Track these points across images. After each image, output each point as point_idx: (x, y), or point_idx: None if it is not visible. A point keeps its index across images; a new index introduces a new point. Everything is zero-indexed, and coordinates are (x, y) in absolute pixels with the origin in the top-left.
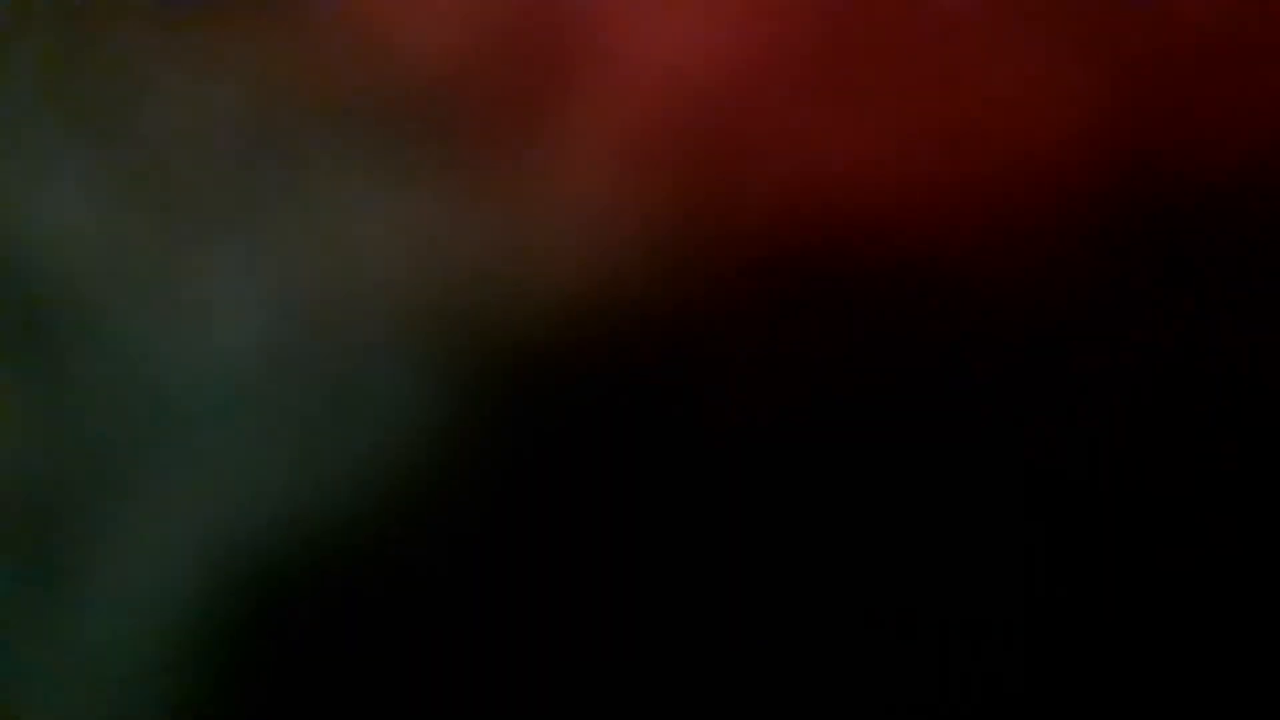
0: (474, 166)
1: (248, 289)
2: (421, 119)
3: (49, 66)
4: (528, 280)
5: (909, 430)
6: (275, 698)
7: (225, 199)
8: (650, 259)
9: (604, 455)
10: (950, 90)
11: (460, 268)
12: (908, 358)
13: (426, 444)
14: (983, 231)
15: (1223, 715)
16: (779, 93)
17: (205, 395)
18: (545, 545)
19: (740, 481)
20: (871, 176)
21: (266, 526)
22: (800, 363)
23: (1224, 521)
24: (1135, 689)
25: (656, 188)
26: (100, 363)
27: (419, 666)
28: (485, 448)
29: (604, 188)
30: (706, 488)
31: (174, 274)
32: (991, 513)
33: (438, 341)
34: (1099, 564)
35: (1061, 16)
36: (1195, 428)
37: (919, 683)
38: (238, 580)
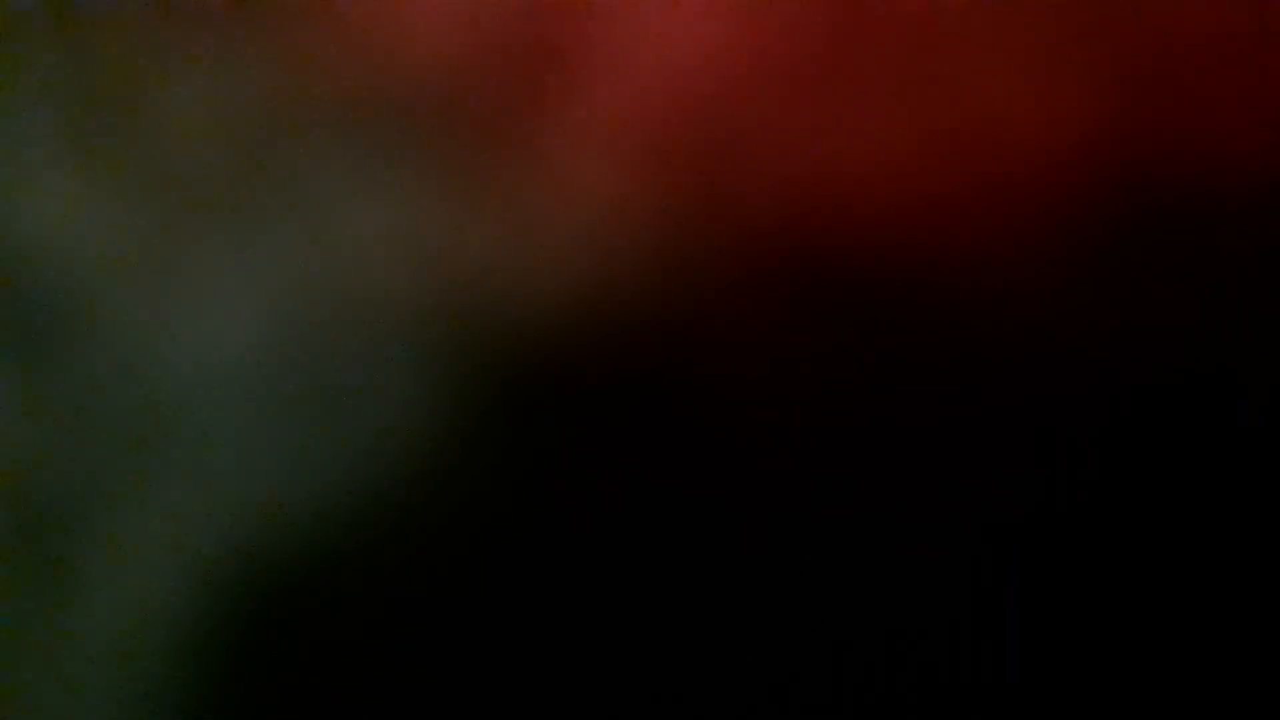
0: (474, 167)
1: (248, 289)
2: (422, 119)
3: (50, 67)
4: (528, 281)
5: (910, 432)
6: (275, 698)
7: (225, 199)
8: (651, 260)
9: (605, 457)
10: (951, 92)
11: (461, 268)
12: (909, 359)
13: (427, 445)
14: (984, 233)
15: (1222, 716)
16: (780, 95)
17: (205, 395)
18: (545, 547)
19: (742, 482)
20: (873, 178)
21: (266, 527)
22: (801, 362)
23: (1226, 526)
24: (1130, 694)
25: (658, 189)
26: (100, 362)
27: (418, 667)
28: (486, 449)
29: (604, 189)
30: (707, 489)
31: (174, 274)
32: (991, 515)
33: (438, 342)
34: (1102, 567)
35: (1062, 20)
36: (1200, 430)
37: (920, 687)
38: (237, 580)
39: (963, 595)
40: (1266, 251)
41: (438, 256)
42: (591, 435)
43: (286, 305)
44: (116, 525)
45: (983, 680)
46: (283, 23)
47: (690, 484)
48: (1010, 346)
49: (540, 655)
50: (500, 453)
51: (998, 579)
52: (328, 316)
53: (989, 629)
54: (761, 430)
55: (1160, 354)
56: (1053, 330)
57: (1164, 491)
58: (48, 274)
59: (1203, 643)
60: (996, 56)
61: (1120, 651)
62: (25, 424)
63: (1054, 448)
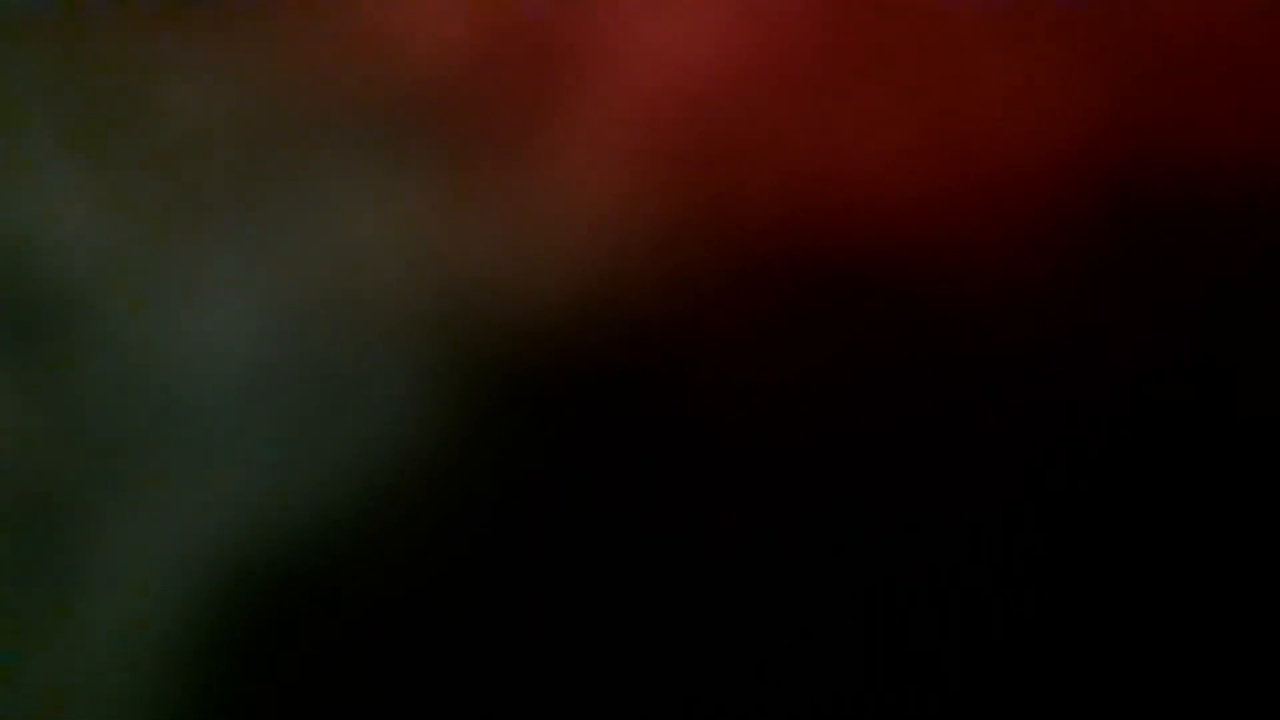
0: (474, 167)
1: (248, 289)
2: (423, 119)
3: (50, 67)
4: (529, 280)
5: (911, 428)
6: (274, 697)
7: (225, 199)
8: (650, 260)
9: (606, 457)
10: (951, 94)
11: (459, 268)
12: (907, 360)
13: (427, 444)
14: (982, 235)
15: (1219, 716)
16: (779, 95)
17: (205, 395)
18: (546, 546)
19: (743, 481)
20: (874, 177)
21: (266, 526)
22: (803, 361)
23: (1226, 522)
24: (1130, 692)
25: (658, 189)
26: (100, 362)
27: (418, 667)
28: (486, 448)
29: (604, 189)
30: (705, 489)
31: (174, 273)
32: (989, 516)
33: (437, 342)
34: (1100, 566)
35: (1062, 22)
36: (1200, 424)
37: (917, 685)
38: (237, 579)
39: (965, 591)
40: (1266, 248)
41: (438, 256)
42: (592, 435)
43: (287, 304)
44: (116, 524)
45: (985, 678)
46: (284, 23)
47: (692, 483)
48: (1011, 344)
49: (541, 654)
50: (501, 452)
51: (999, 573)
52: (328, 316)
53: (991, 625)
54: (763, 428)
55: (1160, 350)
56: (1053, 327)
57: (1164, 486)
58: (48, 274)
59: (1202, 640)
60: (995, 55)
61: (1120, 648)
62: (26, 423)
63: (1055, 443)
